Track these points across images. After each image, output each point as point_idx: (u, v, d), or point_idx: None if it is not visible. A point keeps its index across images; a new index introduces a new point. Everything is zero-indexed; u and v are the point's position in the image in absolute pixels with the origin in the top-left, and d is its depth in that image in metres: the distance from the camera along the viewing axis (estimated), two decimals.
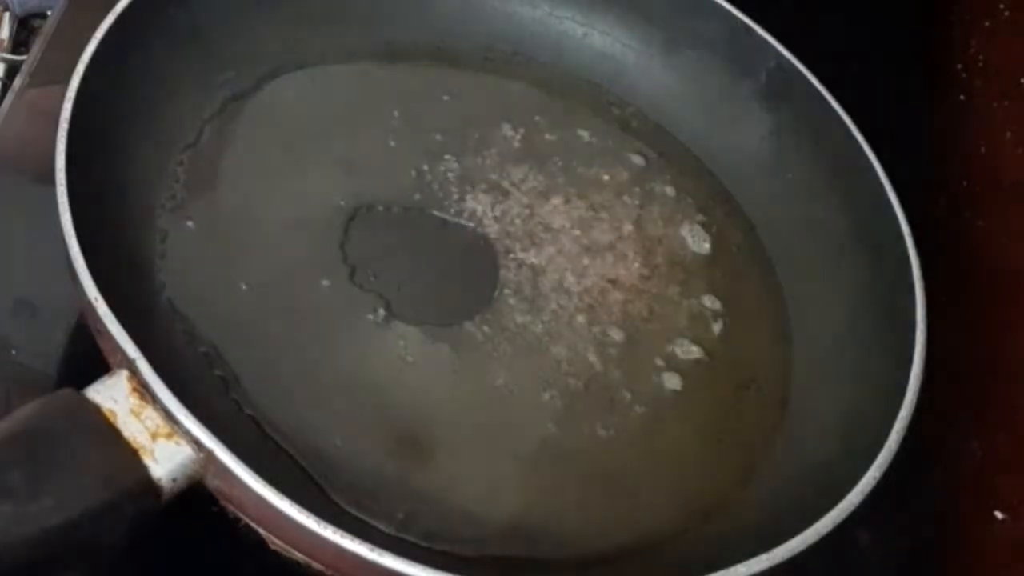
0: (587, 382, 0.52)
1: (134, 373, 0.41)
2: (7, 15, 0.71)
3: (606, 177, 0.59)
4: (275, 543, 0.42)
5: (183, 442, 0.40)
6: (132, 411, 0.40)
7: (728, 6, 0.62)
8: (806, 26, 0.64)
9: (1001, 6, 0.72)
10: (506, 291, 0.53)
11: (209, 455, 0.40)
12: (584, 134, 0.61)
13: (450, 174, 0.57)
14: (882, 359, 0.52)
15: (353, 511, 0.44)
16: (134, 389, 0.41)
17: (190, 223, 0.51)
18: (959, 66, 0.72)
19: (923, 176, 0.64)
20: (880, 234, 0.55)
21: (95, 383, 0.41)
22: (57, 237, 0.44)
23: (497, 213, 0.56)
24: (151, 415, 0.40)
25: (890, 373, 0.50)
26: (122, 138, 0.50)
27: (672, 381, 0.53)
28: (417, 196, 0.55)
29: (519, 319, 0.53)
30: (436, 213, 0.55)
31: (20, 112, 0.58)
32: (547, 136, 0.60)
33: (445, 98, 0.60)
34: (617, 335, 0.53)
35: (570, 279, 0.55)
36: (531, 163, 0.58)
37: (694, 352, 0.54)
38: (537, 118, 0.61)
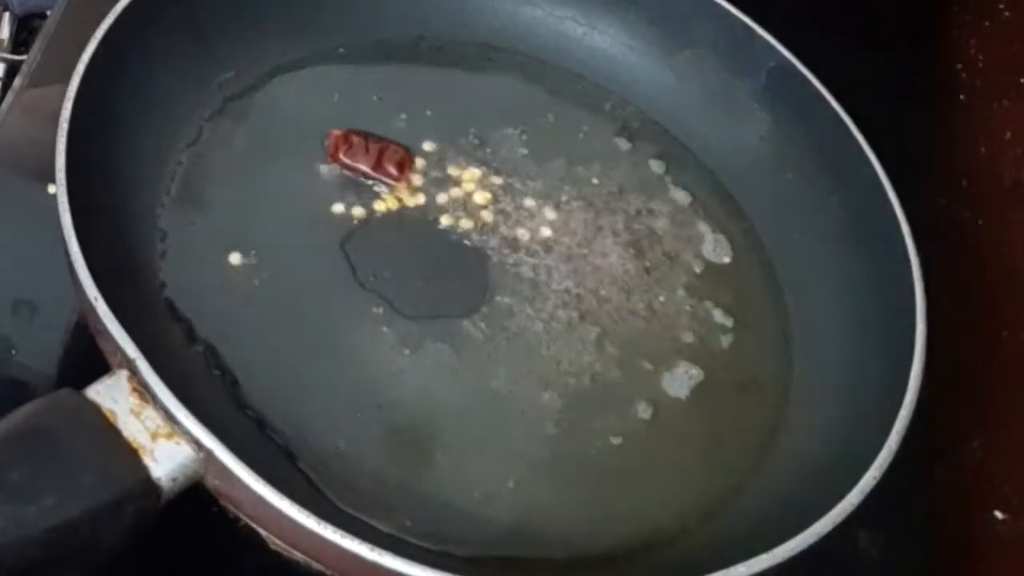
0: (587, 382, 0.52)
1: (134, 373, 0.41)
2: (7, 15, 0.71)
3: (606, 177, 0.59)
4: (275, 543, 0.42)
5: (183, 442, 0.40)
6: (132, 411, 0.40)
7: (728, 6, 0.62)
8: (806, 26, 0.64)
9: (1001, 6, 0.72)
10: (506, 291, 0.54)
11: (209, 455, 0.40)
12: (584, 134, 0.61)
13: (450, 174, 0.57)
14: (882, 359, 0.52)
15: (352, 511, 0.44)
16: (134, 389, 0.41)
17: (190, 223, 0.51)
18: (959, 66, 0.72)
19: (923, 176, 0.64)
20: (880, 234, 0.55)
21: (95, 383, 0.41)
22: (57, 237, 0.44)
23: (497, 212, 0.56)
24: (151, 415, 0.40)
25: (890, 373, 0.50)
26: (122, 138, 0.50)
27: (672, 382, 0.53)
28: (417, 196, 0.55)
29: (519, 319, 0.53)
30: (436, 212, 0.55)
31: (20, 112, 0.58)
32: (547, 136, 0.60)
33: (445, 98, 0.60)
34: (616, 335, 0.53)
35: (570, 279, 0.55)
36: (531, 163, 0.59)
37: (694, 352, 0.54)
38: (537, 118, 0.61)
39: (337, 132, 0.55)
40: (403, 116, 0.58)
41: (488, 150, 0.58)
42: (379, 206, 0.55)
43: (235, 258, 0.51)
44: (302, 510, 0.39)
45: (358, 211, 0.54)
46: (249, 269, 0.51)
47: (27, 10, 0.71)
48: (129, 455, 0.40)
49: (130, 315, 0.42)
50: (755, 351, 0.55)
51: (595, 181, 0.59)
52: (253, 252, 0.51)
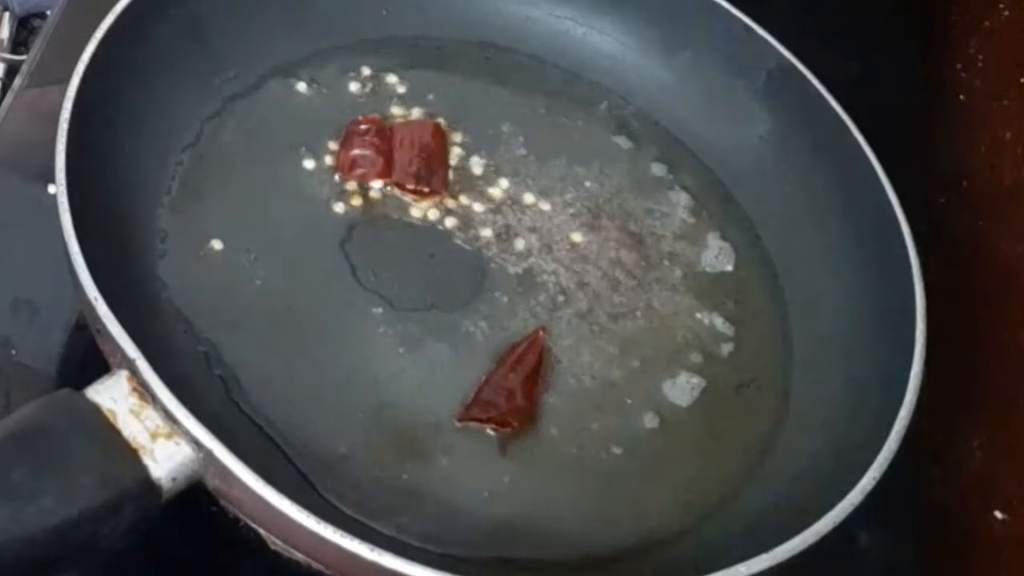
0: (586, 382, 0.52)
1: (134, 373, 0.41)
2: (7, 15, 0.71)
3: (605, 177, 0.59)
4: (275, 543, 0.42)
5: (183, 442, 0.40)
6: (132, 411, 0.40)
7: (728, 6, 0.62)
8: (806, 26, 0.64)
9: (1001, 6, 0.72)
10: (506, 290, 0.53)
11: (209, 455, 0.40)
12: (583, 134, 0.61)
13: (450, 173, 0.57)
14: (882, 359, 0.52)
15: (352, 511, 0.44)
16: (134, 389, 0.41)
17: (190, 223, 0.51)
18: (959, 66, 0.72)
19: (923, 176, 0.64)
20: (880, 234, 0.55)
21: (95, 383, 0.41)
22: (57, 237, 0.44)
23: (497, 212, 0.56)
24: (151, 415, 0.40)
25: (890, 373, 0.50)
26: (122, 138, 0.50)
27: (672, 389, 0.53)
28: (418, 196, 0.55)
29: (518, 319, 0.53)
30: (436, 212, 0.55)
31: (20, 112, 0.58)
32: (547, 136, 0.60)
33: (445, 98, 0.60)
34: (615, 335, 0.53)
35: (570, 279, 0.55)
36: (531, 162, 0.59)
37: (694, 352, 0.54)
38: (537, 118, 0.61)
39: (345, 153, 0.55)
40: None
41: (488, 150, 0.58)
42: (379, 206, 0.55)
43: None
44: (302, 510, 0.39)
45: (358, 211, 0.54)
46: (249, 269, 0.51)
47: (27, 10, 0.71)
48: (129, 455, 0.40)
49: (130, 315, 0.42)
50: (755, 352, 0.55)
51: (595, 181, 0.59)
52: (253, 252, 0.51)
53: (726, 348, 0.55)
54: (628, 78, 0.63)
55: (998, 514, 0.55)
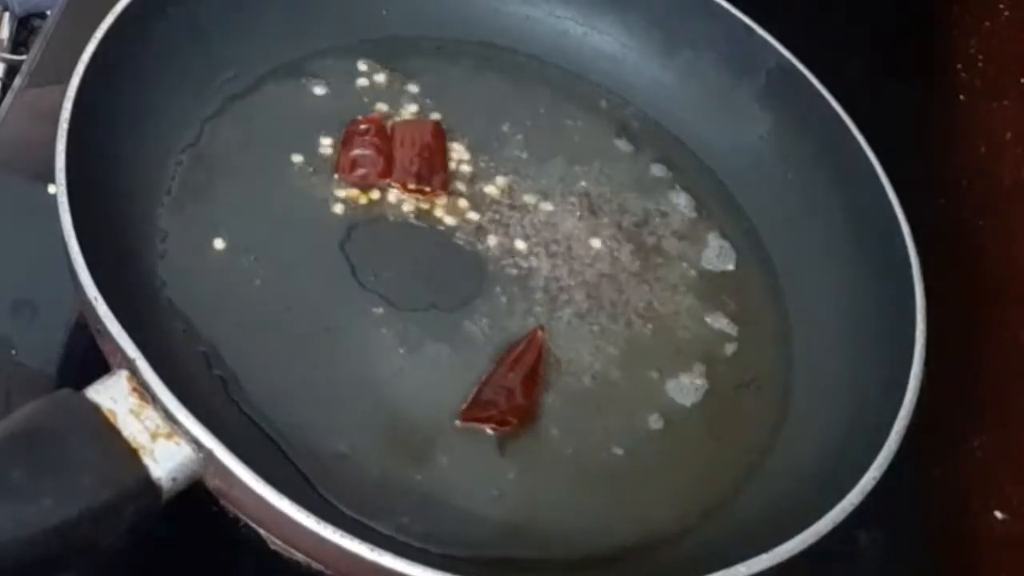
0: (586, 383, 0.52)
1: (134, 373, 0.41)
2: (7, 15, 0.71)
3: (606, 177, 0.59)
4: (275, 543, 0.42)
5: (183, 442, 0.40)
6: (132, 411, 0.40)
7: (728, 6, 0.62)
8: (806, 26, 0.64)
9: (1001, 6, 0.72)
10: (506, 291, 0.53)
11: (209, 455, 0.40)
12: (583, 134, 0.61)
13: (450, 173, 0.57)
14: (882, 359, 0.52)
15: (352, 511, 0.44)
16: (134, 389, 0.41)
17: (190, 223, 0.51)
18: (959, 66, 0.72)
19: (923, 176, 0.64)
20: (880, 234, 0.55)
21: (95, 383, 0.41)
22: (57, 237, 0.44)
23: (497, 212, 0.56)
24: (151, 415, 0.40)
25: (890, 373, 0.50)
26: (122, 138, 0.50)
27: (676, 389, 0.53)
28: (418, 196, 0.55)
29: (518, 319, 0.53)
30: (436, 212, 0.55)
31: (20, 112, 0.58)
32: (546, 136, 0.60)
33: (445, 98, 0.60)
34: (616, 335, 0.53)
35: (570, 279, 0.55)
36: (531, 163, 0.59)
37: (696, 352, 0.54)
38: (537, 118, 0.61)
39: (345, 155, 0.55)
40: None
41: (488, 150, 0.58)
42: (379, 206, 0.55)
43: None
44: (302, 510, 0.39)
45: (358, 211, 0.54)
46: (249, 269, 0.51)
47: (27, 10, 0.71)
48: (129, 455, 0.40)
49: (130, 315, 0.42)
50: (756, 352, 0.55)
51: (595, 181, 0.59)
52: (253, 252, 0.51)
53: (729, 348, 0.55)
54: (628, 78, 0.63)
55: (998, 514, 0.55)
